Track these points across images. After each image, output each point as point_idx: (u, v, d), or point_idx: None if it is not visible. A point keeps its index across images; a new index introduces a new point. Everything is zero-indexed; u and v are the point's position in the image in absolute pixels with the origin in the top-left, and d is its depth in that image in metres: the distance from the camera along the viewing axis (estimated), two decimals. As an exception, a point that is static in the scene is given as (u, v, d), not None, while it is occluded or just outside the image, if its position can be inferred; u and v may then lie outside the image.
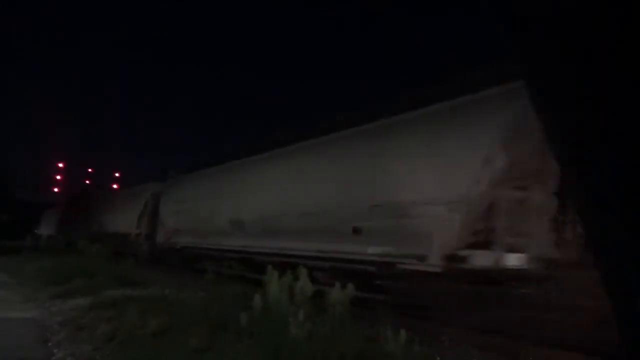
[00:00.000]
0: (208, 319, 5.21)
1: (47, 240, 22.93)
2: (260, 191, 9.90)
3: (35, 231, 30.58)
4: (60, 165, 48.50)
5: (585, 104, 0.49)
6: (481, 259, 5.47)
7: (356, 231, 6.96)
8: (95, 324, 5.93)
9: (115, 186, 42.29)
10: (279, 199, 9.17)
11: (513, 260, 5.34)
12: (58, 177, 48.30)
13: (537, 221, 5.51)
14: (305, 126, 10.79)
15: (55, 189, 47.90)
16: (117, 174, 48.03)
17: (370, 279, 6.52)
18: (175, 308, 6.15)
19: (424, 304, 5.80)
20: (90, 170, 50.31)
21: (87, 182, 49.30)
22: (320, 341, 3.82)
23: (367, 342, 4.21)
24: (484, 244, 5.56)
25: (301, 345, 3.67)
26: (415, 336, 4.00)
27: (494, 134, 5.61)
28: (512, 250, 5.41)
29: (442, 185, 5.88)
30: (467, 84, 6.52)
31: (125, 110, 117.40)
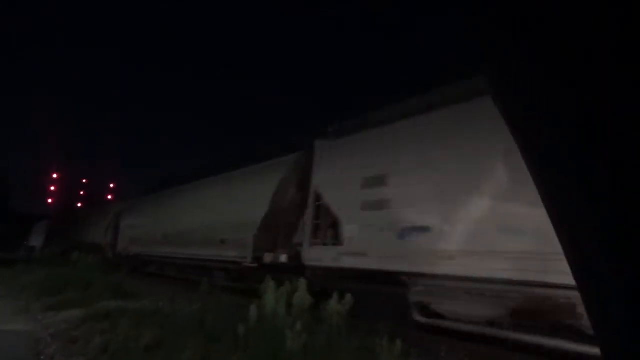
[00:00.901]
0: (203, 330, 5.16)
1: (40, 252, 22.88)
2: (179, 213, 14.12)
3: (26, 243, 30.53)
4: (55, 176, 48.30)
5: (551, 106, 0.50)
6: (268, 258, 9.31)
7: (222, 242, 10.92)
8: (88, 336, 5.86)
9: (110, 197, 42.19)
10: (188, 220, 13.27)
11: (283, 258, 9.01)
12: (52, 189, 48.06)
13: (295, 236, 9.04)
14: (203, 167, 15.28)
15: (50, 200, 47.63)
16: (112, 185, 47.89)
17: (229, 271, 10.80)
18: (169, 320, 6.09)
19: (248, 281, 9.07)
20: (84, 181, 50.12)
21: (82, 193, 49.12)
22: (317, 352, 3.79)
23: (363, 352, 4.18)
24: (271, 249, 9.39)
25: (297, 356, 3.64)
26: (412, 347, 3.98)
27: (272, 188, 9.63)
28: (283, 253, 9.13)
29: (252, 214, 9.83)
30: (261, 156, 11.47)
31: (121, 120, 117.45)
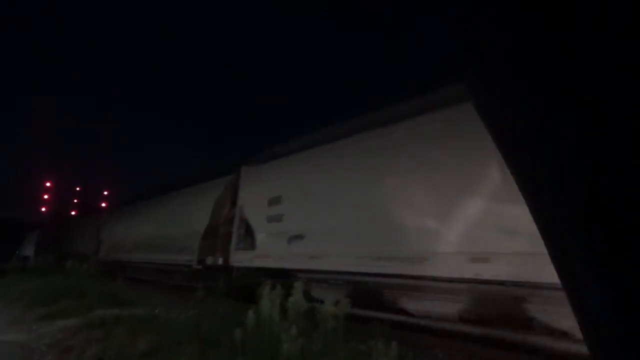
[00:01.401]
0: (199, 336, 5.15)
1: (34, 261, 22.83)
2: (146, 224, 16.48)
3: (19, 252, 30.50)
4: (48, 184, 47.97)
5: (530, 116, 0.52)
6: (209, 260, 11.35)
7: (178, 249, 13.10)
8: (84, 345, 5.82)
9: (104, 204, 41.99)
10: (154, 230, 15.62)
11: (219, 261, 10.82)
12: (45, 197, 47.72)
13: (228, 243, 10.72)
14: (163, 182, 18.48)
15: (43, 209, 47.27)
16: (106, 192, 47.62)
17: (184, 273, 13.02)
18: (165, 327, 6.07)
19: (194, 279, 11.05)
20: (78, 189, 49.79)
21: (75, 201, 48.80)
22: (314, 356, 3.79)
23: (359, 355, 4.19)
24: (211, 254, 11.33)
25: (294, 361, 3.64)
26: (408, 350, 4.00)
27: (212, 204, 11.97)
28: (220, 256, 10.92)
29: (197, 225, 12.19)
30: (206, 176, 13.75)
31: (116, 127, 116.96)
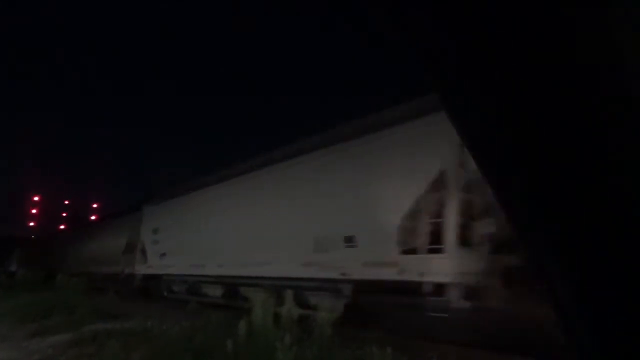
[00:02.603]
0: (192, 348, 5.11)
1: (23, 276, 22.53)
2: (93, 244, 21.62)
3: (4, 268, 30.26)
4: (36, 198, 47.40)
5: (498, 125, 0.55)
6: (127, 270, 16.33)
7: (112, 261, 17.84)
8: (75, 360, 5.74)
9: (93, 217, 41.59)
10: (99, 248, 20.20)
11: (132, 270, 15.82)
12: (34, 211, 47.14)
13: (135, 258, 16.14)
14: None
15: (32, 223, 46.68)
16: (95, 205, 47.19)
17: (118, 279, 16.67)
18: (158, 339, 6.01)
19: (120, 282, 15.80)
20: (66, 202, 49.29)
21: (64, 214, 48.26)
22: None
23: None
24: (128, 265, 16.25)
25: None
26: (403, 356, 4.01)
27: (128, 231, 17.26)
28: (132, 267, 16.10)
29: (120, 246, 17.31)
30: (127, 210, 19.99)
31: (104, 138, 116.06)
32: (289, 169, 9.21)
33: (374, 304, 6.77)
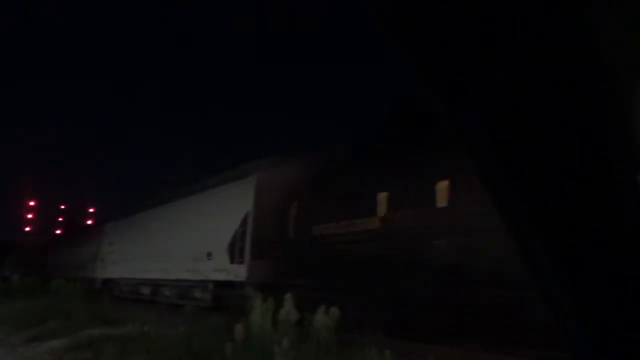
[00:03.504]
0: (190, 352, 5.09)
1: (19, 281, 22.39)
2: (71, 254, 24.75)
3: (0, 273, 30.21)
4: (32, 203, 47.16)
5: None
6: (93, 276, 20.60)
7: (83, 267, 21.92)
8: (72, 366, 5.71)
9: (90, 222, 41.45)
10: (76, 257, 23.62)
11: (97, 275, 20.31)
12: (29, 216, 46.88)
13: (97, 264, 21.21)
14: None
15: (27, 228, 46.42)
16: (91, 210, 47.01)
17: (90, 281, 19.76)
18: (155, 344, 5.98)
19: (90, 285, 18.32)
20: (62, 207, 49.04)
21: (60, 219, 48.04)
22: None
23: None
24: (92, 272, 20.73)
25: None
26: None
27: (96, 243, 21.67)
28: (94, 273, 20.64)
29: (91, 255, 21.42)
30: (94, 225, 30.99)
31: (100, 144, 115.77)
32: (184, 204, 14.09)
33: (224, 295, 10.56)
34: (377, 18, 0.55)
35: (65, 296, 11.33)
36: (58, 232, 43.98)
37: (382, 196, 6.57)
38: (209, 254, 11.17)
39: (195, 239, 11.99)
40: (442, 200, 5.70)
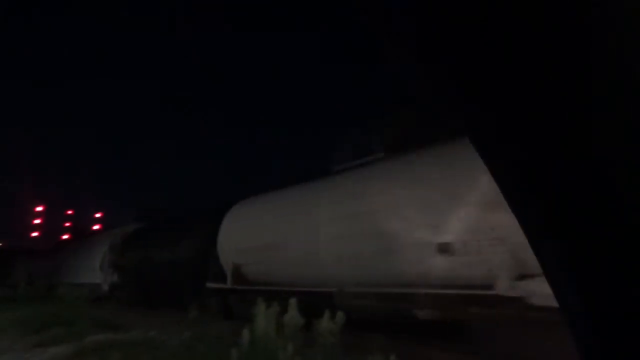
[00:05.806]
0: (195, 358, 5.07)
1: (24, 288, 22.56)
2: (69, 261, 24.85)
3: (7, 279, 30.44)
4: (40, 208, 47.44)
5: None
6: (100, 281, 19.80)
7: (82, 273, 22.02)
8: (77, 372, 5.70)
9: (97, 227, 41.63)
10: (72, 265, 23.81)
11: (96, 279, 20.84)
12: (37, 221, 47.15)
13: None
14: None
15: (35, 234, 46.67)
16: (98, 215, 47.17)
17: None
18: (160, 350, 5.97)
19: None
20: (69, 212, 49.27)
21: (67, 224, 48.26)
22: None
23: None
24: (91, 279, 20.94)
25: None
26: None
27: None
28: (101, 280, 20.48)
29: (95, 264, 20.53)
30: (100, 232, 31.10)
31: (104, 150, 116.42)
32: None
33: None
34: (384, 20, 0.56)
35: (70, 302, 11.35)
36: (65, 237, 44.18)
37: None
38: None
39: None
40: None
